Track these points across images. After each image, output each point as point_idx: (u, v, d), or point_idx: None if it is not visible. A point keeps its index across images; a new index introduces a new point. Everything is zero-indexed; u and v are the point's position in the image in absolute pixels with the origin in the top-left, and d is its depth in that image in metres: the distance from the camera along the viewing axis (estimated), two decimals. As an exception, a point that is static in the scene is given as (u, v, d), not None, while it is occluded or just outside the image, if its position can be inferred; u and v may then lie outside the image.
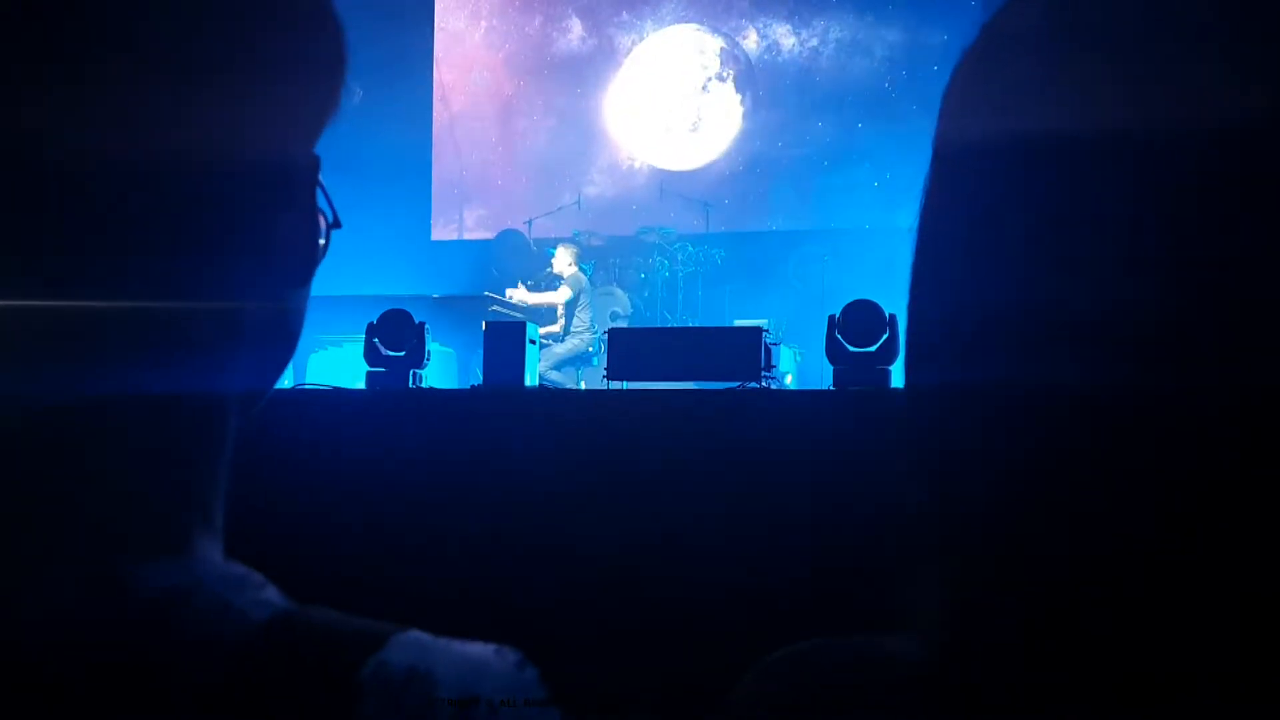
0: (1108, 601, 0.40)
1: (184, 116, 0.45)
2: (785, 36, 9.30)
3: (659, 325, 7.74)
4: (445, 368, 6.29)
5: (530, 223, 8.91)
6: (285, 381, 3.30)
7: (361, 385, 3.87)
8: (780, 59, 9.31)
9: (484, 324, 4.13)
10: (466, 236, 9.79)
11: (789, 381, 6.54)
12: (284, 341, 0.53)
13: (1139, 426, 0.40)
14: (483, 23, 10.00)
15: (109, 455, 0.46)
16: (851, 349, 3.43)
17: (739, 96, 9.44)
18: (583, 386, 7.00)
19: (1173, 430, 0.39)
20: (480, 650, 0.45)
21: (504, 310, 7.32)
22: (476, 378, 4.61)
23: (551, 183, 9.44)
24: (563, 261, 7.42)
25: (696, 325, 7.65)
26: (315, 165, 0.52)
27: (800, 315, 7.51)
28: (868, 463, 2.47)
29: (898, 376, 3.46)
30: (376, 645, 0.44)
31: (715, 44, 9.56)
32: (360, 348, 3.89)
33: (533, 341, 4.01)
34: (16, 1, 0.43)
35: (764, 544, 2.81)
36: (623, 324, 7.54)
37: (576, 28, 9.79)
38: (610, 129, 9.66)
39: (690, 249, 8.21)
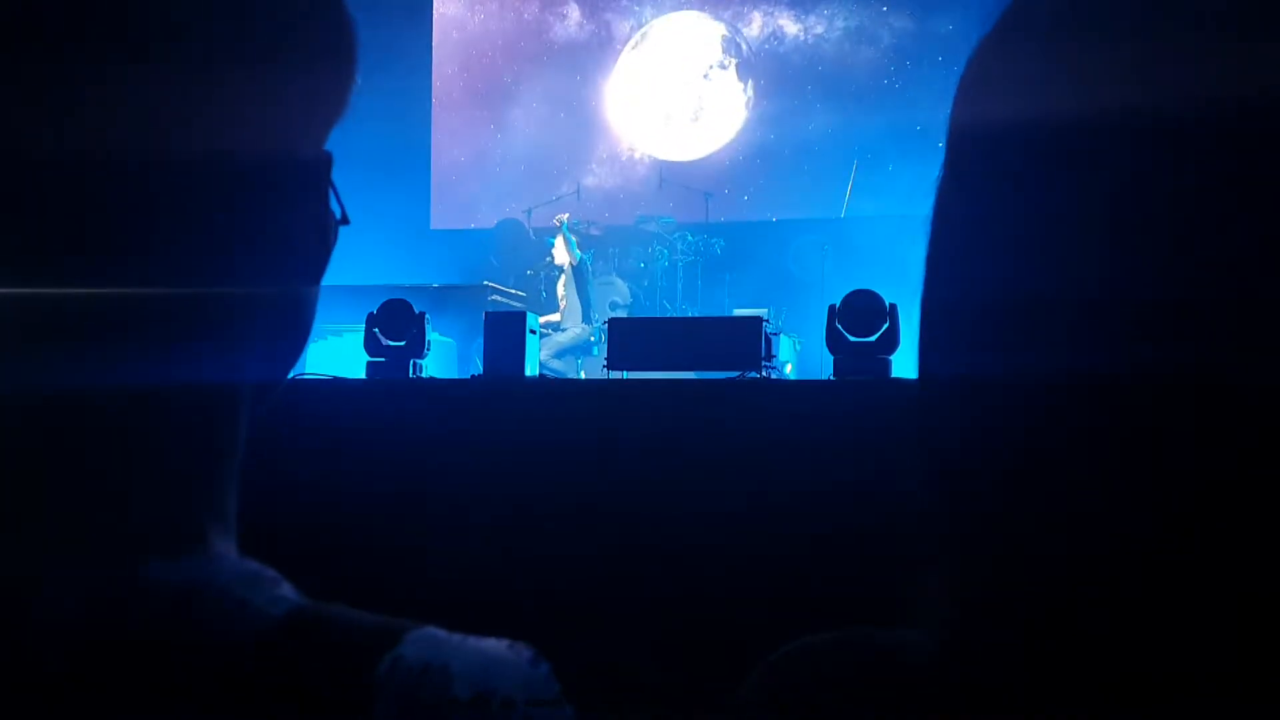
0: (1110, 600, 0.40)
1: (203, 112, 0.46)
2: (789, 23, 9.25)
3: (658, 315, 7.73)
4: (445, 357, 6.28)
5: (529, 212, 8.90)
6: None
7: (361, 375, 3.87)
8: (783, 47, 9.27)
9: (484, 313, 4.13)
10: (466, 226, 9.77)
11: (789, 371, 6.54)
12: (295, 336, 0.53)
13: (1149, 419, 0.40)
14: (480, 9, 9.96)
15: (123, 451, 0.46)
16: (852, 338, 3.43)
17: (741, 85, 9.39)
18: (582, 376, 7.00)
19: (1183, 426, 0.39)
20: (494, 646, 0.46)
21: (504, 300, 7.32)
22: (477, 367, 4.60)
23: (551, 171, 9.43)
24: (561, 251, 7.43)
25: (696, 315, 7.65)
26: (327, 162, 0.52)
27: (800, 305, 7.51)
28: (868, 453, 2.47)
29: (898, 366, 3.48)
30: (392, 642, 0.44)
31: (717, 31, 9.51)
32: (360, 337, 3.89)
33: (533, 331, 4.01)
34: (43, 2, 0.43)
35: (764, 533, 2.81)
36: (622, 313, 7.54)
37: (574, 14, 9.75)
38: (610, 118, 9.63)
39: (690, 238, 8.19)
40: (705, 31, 9.55)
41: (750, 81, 9.35)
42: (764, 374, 3.67)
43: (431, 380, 3.89)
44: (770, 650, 0.52)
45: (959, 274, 0.48)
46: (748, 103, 9.34)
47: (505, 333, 3.91)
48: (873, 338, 3.41)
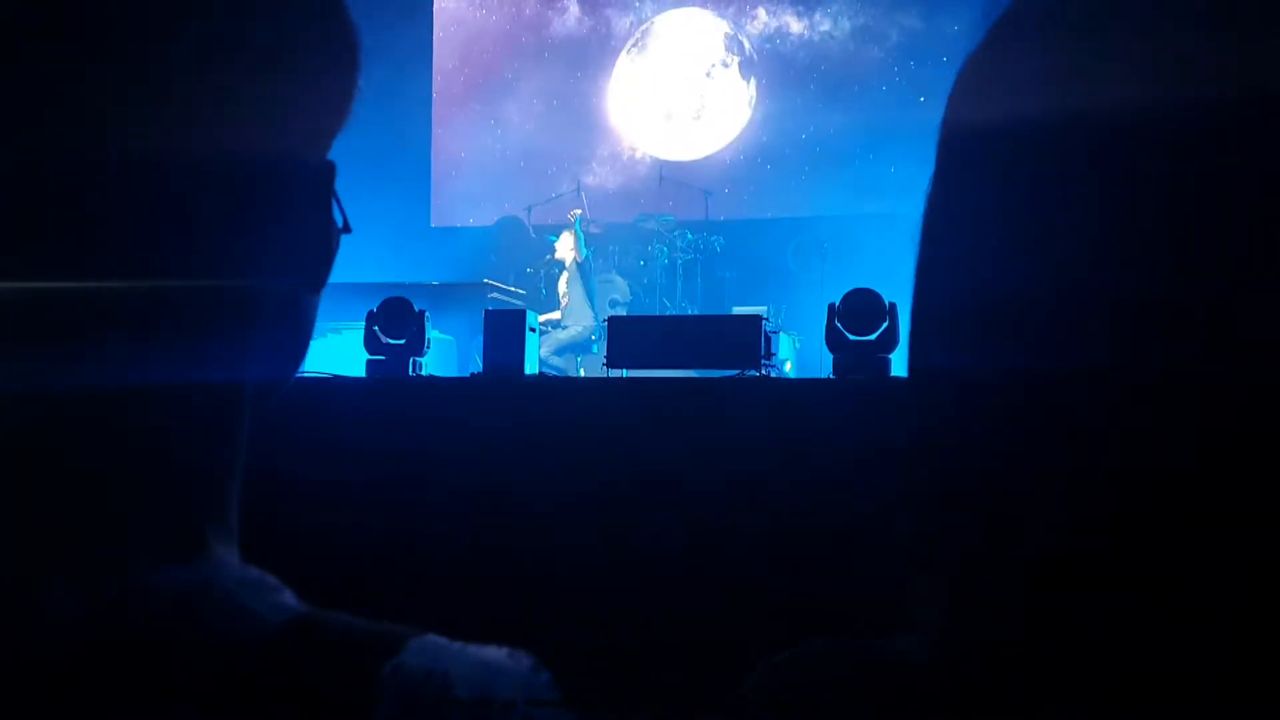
0: (1109, 598, 0.40)
1: (208, 118, 0.46)
2: (793, 21, 9.22)
3: (658, 313, 7.73)
4: (445, 355, 6.29)
5: (530, 209, 8.90)
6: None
7: (361, 373, 3.87)
8: (787, 45, 9.24)
9: (484, 311, 4.13)
10: (465, 223, 9.77)
11: (788, 369, 6.55)
12: (296, 342, 0.54)
13: (1146, 418, 0.40)
14: (481, 3, 9.95)
15: (124, 456, 0.46)
16: (851, 337, 3.43)
17: (744, 83, 9.36)
18: (581, 374, 7.00)
19: (1179, 425, 0.39)
20: (495, 654, 0.46)
21: (504, 297, 7.32)
22: (476, 365, 4.61)
23: (551, 169, 9.42)
24: (565, 247, 7.43)
25: (696, 313, 7.65)
26: (331, 171, 0.53)
27: (799, 303, 7.51)
28: (867, 452, 2.47)
29: (898, 365, 3.47)
30: (393, 650, 0.44)
31: (720, 28, 9.48)
32: (360, 335, 3.89)
33: (532, 329, 4.01)
34: (61, 5, 0.43)
35: (763, 532, 2.81)
36: (622, 311, 7.54)
37: (574, 9, 9.74)
38: (611, 116, 9.63)
39: (689, 236, 8.20)
40: (708, 28, 9.52)
41: (753, 80, 9.33)
42: (763, 372, 3.67)
43: (431, 378, 3.89)
44: (769, 649, 0.52)
45: (948, 273, 0.48)
46: (750, 101, 9.31)
47: (505, 330, 3.91)
48: (872, 336, 3.41)
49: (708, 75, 9.48)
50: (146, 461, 0.47)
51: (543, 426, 3.18)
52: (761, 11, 9.31)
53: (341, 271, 0.55)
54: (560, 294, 7.42)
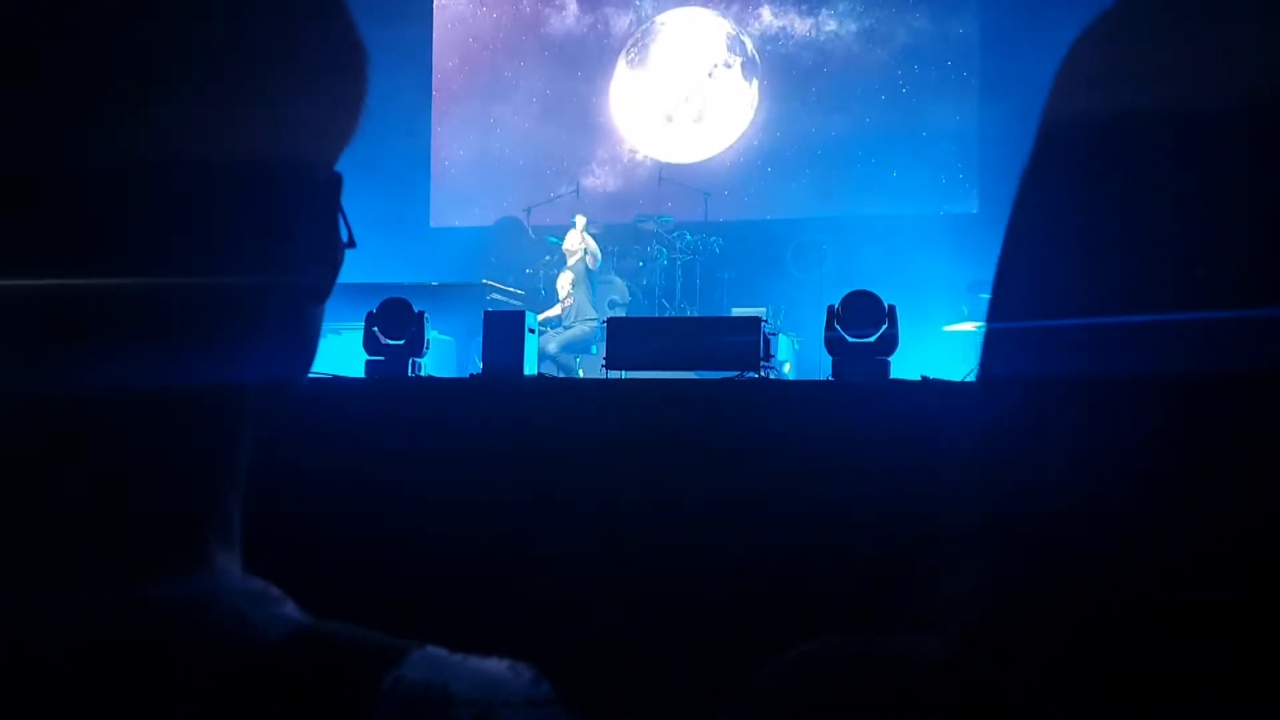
0: (1145, 601, 0.40)
1: (216, 126, 0.46)
2: (797, 21, 9.20)
3: (657, 314, 7.73)
4: (444, 356, 6.28)
5: (529, 210, 8.89)
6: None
7: (360, 373, 3.87)
8: (790, 46, 9.22)
9: (484, 312, 4.12)
10: (465, 224, 9.76)
11: (787, 370, 6.55)
12: (300, 354, 0.54)
13: (1231, 427, 0.39)
14: (481, 4, 9.95)
15: (124, 459, 0.46)
16: (851, 339, 3.42)
17: (746, 84, 9.34)
18: (580, 375, 7.00)
19: (1252, 434, 0.38)
20: (496, 666, 0.46)
21: (503, 298, 7.31)
22: (476, 366, 4.60)
23: (550, 170, 9.41)
24: (575, 241, 7.43)
25: (695, 314, 7.65)
26: (337, 183, 0.53)
27: (798, 304, 7.51)
28: (867, 454, 2.47)
29: (896, 367, 3.47)
30: (394, 662, 0.44)
31: (723, 28, 9.46)
32: (359, 336, 3.89)
33: (532, 330, 4.01)
34: (81, 11, 0.44)
35: (762, 533, 2.81)
36: (621, 312, 7.54)
37: (573, 7, 9.73)
38: (612, 117, 9.61)
39: (689, 237, 8.19)
40: (710, 28, 9.50)
41: (755, 81, 9.31)
42: (763, 374, 3.67)
43: (430, 379, 3.89)
44: (769, 649, 0.52)
45: (1041, 270, 0.46)
46: (752, 103, 9.29)
47: (504, 331, 3.91)
48: (871, 338, 3.41)
49: (709, 76, 9.46)
50: (149, 466, 0.47)
51: (542, 427, 3.18)
52: (764, 11, 9.29)
53: (341, 272, 0.55)
54: (563, 292, 7.41)
